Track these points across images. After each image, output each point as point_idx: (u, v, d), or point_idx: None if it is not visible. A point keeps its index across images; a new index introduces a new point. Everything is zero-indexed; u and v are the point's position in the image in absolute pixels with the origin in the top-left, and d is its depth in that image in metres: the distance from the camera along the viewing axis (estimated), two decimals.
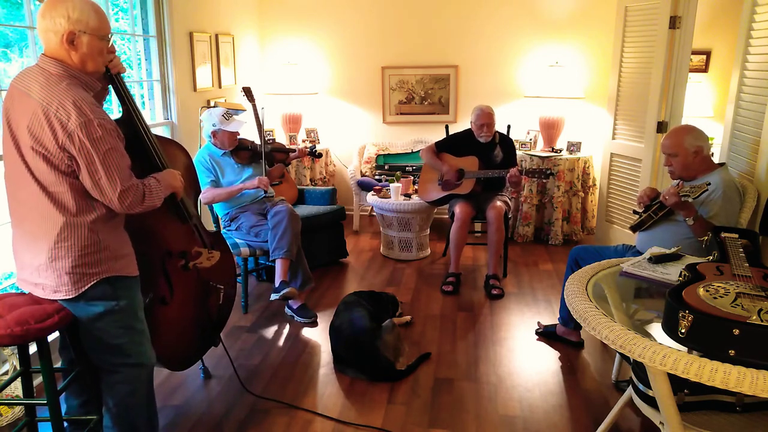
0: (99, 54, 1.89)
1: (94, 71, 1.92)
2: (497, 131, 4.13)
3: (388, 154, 5.48)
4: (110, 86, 2.10)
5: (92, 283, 1.89)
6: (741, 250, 2.10)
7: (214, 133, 3.55)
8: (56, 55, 1.84)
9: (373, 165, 5.40)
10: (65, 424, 2.20)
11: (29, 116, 1.78)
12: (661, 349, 1.54)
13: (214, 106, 4.07)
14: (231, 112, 3.59)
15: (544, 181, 4.81)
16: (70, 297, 1.88)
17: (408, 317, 3.48)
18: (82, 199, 1.86)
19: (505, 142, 4.12)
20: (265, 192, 3.64)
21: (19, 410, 2.52)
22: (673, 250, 2.32)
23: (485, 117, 3.99)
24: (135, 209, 1.93)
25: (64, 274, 1.86)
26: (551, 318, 3.44)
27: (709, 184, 2.50)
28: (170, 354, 2.39)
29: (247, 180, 3.63)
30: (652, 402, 1.93)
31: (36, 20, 1.85)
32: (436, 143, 4.26)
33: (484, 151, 4.05)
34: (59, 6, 1.79)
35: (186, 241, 2.43)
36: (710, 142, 2.76)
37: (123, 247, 2.00)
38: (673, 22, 3.81)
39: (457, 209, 3.95)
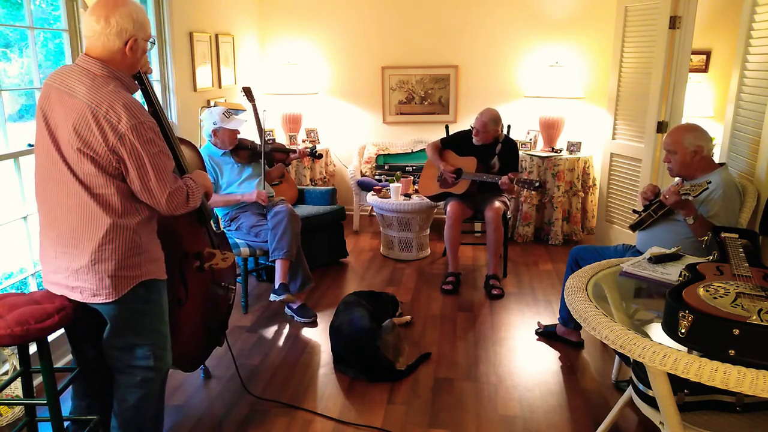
0: (143, 55, 1.93)
1: (134, 72, 1.95)
2: (506, 136, 4.12)
3: (388, 154, 5.48)
4: (140, 88, 2.11)
5: (132, 286, 1.88)
6: (741, 250, 2.10)
7: (215, 132, 3.55)
8: (104, 57, 1.82)
9: (373, 165, 5.40)
10: (68, 424, 2.20)
11: (74, 117, 1.76)
12: (661, 349, 1.54)
13: (214, 106, 4.07)
14: (231, 111, 3.59)
15: (533, 192, 4.81)
16: (110, 301, 1.86)
17: (408, 317, 3.48)
18: (128, 201, 1.85)
19: (508, 147, 4.07)
20: (264, 206, 3.62)
21: (19, 410, 2.52)
22: (673, 250, 2.32)
23: (478, 123, 3.98)
24: (180, 210, 1.94)
25: (107, 278, 1.84)
26: (551, 318, 3.44)
27: (710, 182, 2.50)
28: (183, 355, 2.39)
29: (246, 180, 3.64)
30: (652, 402, 1.93)
31: (84, 22, 1.83)
32: (441, 140, 4.27)
33: (484, 154, 4.05)
34: (122, 9, 1.79)
35: (201, 242, 2.44)
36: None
37: (157, 250, 2.00)
38: (673, 22, 3.81)
39: (449, 208, 3.97)
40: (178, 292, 2.31)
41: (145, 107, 2.12)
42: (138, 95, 2.10)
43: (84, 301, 1.88)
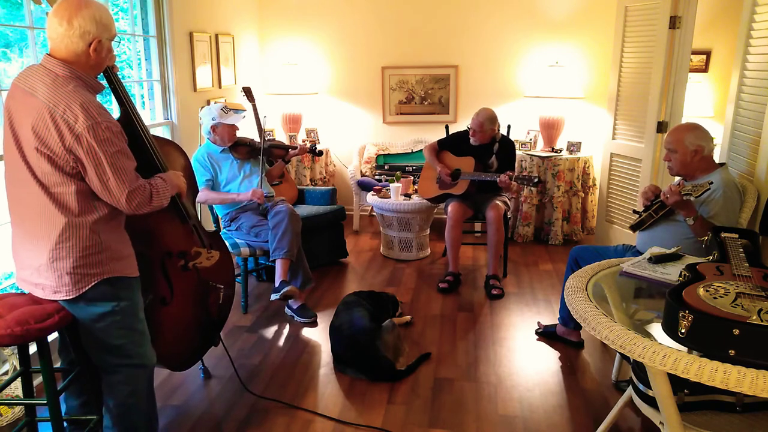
0: (108, 55, 1.93)
1: (99, 72, 1.94)
2: (503, 135, 4.12)
3: (388, 154, 5.48)
4: (108, 87, 2.11)
5: (93, 283, 1.89)
6: (741, 250, 2.10)
7: (214, 128, 3.55)
8: (68, 57, 1.82)
9: (373, 165, 5.40)
10: (65, 424, 2.20)
11: (34, 117, 1.77)
12: (661, 349, 1.54)
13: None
14: (229, 108, 3.60)
15: (532, 188, 4.82)
16: (71, 297, 1.88)
17: (408, 317, 3.48)
18: (85, 199, 1.86)
19: (505, 146, 4.08)
20: (260, 204, 3.60)
21: (19, 410, 2.52)
22: (673, 250, 2.32)
23: (474, 123, 3.98)
24: (143, 209, 1.94)
25: (65, 275, 1.85)
26: (551, 318, 3.44)
27: (712, 183, 2.50)
28: (171, 354, 2.39)
29: (247, 178, 3.64)
30: (652, 402, 1.93)
31: (48, 23, 1.82)
32: (438, 141, 4.27)
33: (482, 153, 4.05)
34: (84, 11, 1.79)
35: (185, 241, 2.43)
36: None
37: (124, 248, 2.00)
38: (673, 22, 3.81)
39: (450, 209, 3.97)
40: (163, 291, 2.31)
41: (115, 105, 2.13)
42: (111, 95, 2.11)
43: (47, 297, 1.90)
